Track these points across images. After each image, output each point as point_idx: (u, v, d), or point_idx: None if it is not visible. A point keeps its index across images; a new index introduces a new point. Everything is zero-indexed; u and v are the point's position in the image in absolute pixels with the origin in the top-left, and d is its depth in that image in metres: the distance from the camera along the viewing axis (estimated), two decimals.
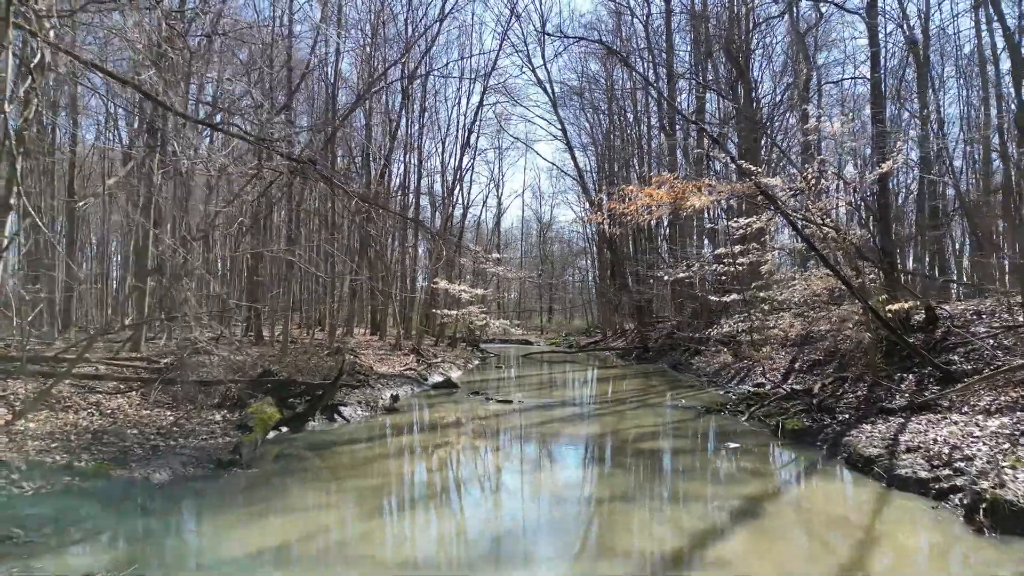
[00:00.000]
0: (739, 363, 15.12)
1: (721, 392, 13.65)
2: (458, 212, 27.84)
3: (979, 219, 20.90)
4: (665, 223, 26.59)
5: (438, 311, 22.05)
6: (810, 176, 10.51)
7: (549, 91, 28.26)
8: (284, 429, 9.02)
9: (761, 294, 13.61)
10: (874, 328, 10.40)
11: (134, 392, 9.03)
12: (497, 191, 51.77)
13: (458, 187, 25.94)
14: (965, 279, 19.86)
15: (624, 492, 6.60)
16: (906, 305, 10.24)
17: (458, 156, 24.30)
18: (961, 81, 22.97)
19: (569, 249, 51.74)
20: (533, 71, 41.67)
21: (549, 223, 51.80)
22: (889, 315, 9.99)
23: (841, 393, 10.42)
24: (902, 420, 7.99)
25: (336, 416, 10.04)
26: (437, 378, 15.80)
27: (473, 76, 25.03)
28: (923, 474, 6.01)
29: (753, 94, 20.80)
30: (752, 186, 10.63)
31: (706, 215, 23.63)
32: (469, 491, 6.72)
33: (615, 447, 8.99)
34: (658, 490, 6.58)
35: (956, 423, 7.43)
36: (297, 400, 9.86)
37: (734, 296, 14.03)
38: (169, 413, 8.47)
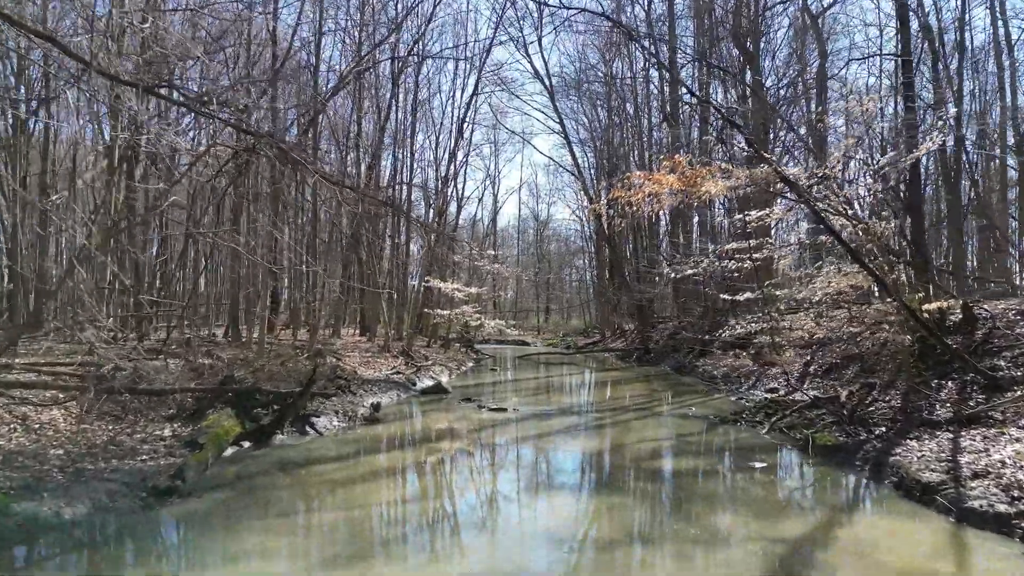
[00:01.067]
0: (751, 366, 14.08)
1: (732, 398, 12.60)
2: (452, 208, 26.76)
3: (990, 215, 19.97)
4: (666, 219, 25.61)
5: (431, 311, 20.98)
6: (836, 161, 9.49)
7: (546, 82, 27.27)
8: (246, 444, 7.93)
9: (777, 292, 12.53)
10: (909, 329, 9.39)
11: (75, 403, 7.92)
12: (493, 188, 50.62)
13: (452, 182, 24.84)
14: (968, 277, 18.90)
15: (638, 528, 5.54)
16: (944, 304, 9.22)
17: (451, 148, 23.19)
18: (973, 72, 22.09)
19: (567, 248, 50.69)
20: (530, 60, 40.85)
21: (546, 221, 50.81)
22: (926, 315, 8.97)
23: (871, 402, 9.37)
24: (951, 435, 6.96)
25: (309, 428, 8.94)
26: (427, 382, 14.72)
27: (469, 58, 23.87)
28: (1002, 508, 4.96)
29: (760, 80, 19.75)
30: (772, 172, 9.62)
31: (708, 211, 22.62)
32: (451, 528, 5.64)
33: (622, 467, 7.90)
34: (677, 525, 5.49)
35: (1019, 440, 6.41)
36: (264, 411, 8.77)
37: (748, 295, 12.93)
38: (111, 428, 7.38)
